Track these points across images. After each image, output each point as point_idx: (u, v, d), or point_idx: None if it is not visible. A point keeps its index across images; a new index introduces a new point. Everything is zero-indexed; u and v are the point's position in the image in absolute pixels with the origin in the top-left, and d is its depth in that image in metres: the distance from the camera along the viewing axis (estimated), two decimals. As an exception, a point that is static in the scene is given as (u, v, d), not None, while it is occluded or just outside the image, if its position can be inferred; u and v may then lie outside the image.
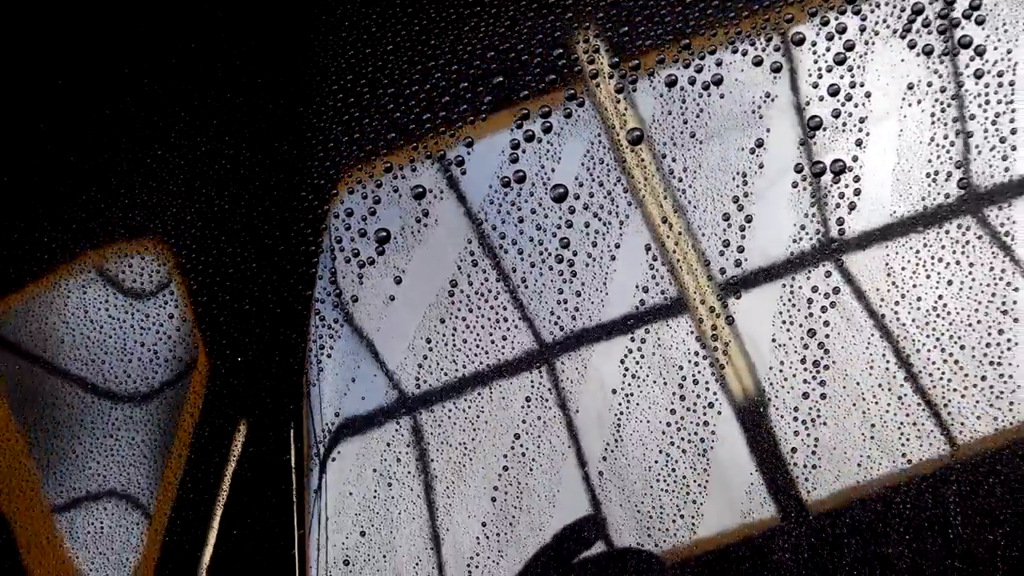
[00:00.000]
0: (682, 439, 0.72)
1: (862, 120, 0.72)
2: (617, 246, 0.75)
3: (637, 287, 0.74)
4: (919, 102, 0.71)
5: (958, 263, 0.70)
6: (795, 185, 0.72)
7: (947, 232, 0.70)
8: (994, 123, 0.70)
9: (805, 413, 0.70)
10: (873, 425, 0.69)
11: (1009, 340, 0.68)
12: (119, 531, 0.83)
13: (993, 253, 0.69)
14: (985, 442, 0.68)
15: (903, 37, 0.72)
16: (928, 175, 0.71)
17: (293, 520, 0.78)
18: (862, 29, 0.73)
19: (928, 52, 0.72)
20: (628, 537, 0.72)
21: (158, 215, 0.85)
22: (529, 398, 0.75)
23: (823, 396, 0.70)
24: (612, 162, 0.76)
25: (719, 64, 0.74)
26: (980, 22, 0.71)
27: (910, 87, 0.72)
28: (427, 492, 0.75)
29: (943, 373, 0.69)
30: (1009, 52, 0.70)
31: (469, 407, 0.75)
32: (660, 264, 0.74)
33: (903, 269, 0.70)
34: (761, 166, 0.73)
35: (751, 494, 0.70)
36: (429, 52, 0.80)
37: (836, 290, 0.71)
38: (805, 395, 0.70)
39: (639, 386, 0.73)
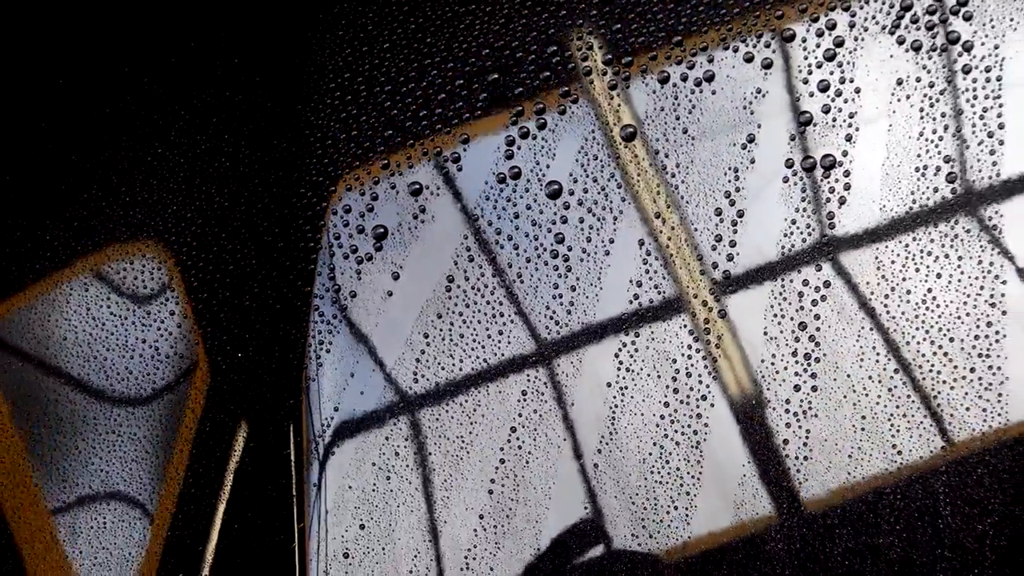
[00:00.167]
0: (676, 431, 0.73)
1: (852, 116, 0.73)
2: (611, 241, 0.76)
3: (631, 282, 0.75)
4: (908, 98, 0.72)
5: (947, 257, 0.70)
6: (786, 180, 0.73)
7: (936, 226, 0.71)
8: (982, 118, 0.71)
9: (797, 405, 0.71)
10: (864, 417, 0.70)
11: (998, 333, 0.69)
12: (122, 527, 0.83)
13: (981, 247, 0.70)
14: (974, 433, 0.69)
15: (892, 33, 0.73)
16: (917, 170, 0.71)
17: (293, 514, 0.79)
18: (852, 26, 0.73)
19: (917, 48, 0.72)
20: (623, 528, 0.72)
21: (159, 213, 0.85)
22: (525, 392, 0.75)
23: (814, 388, 0.71)
24: (606, 158, 0.76)
25: (711, 61, 0.75)
26: (968, 18, 0.72)
27: (899, 83, 0.72)
28: (425, 485, 0.76)
29: (932, 365, 0.70)
30: (996, 48, 0.71)
31: (466, 401, 0.76)
32: (653, 259, 0.75)
33: (893, 263, 0.71)
34: (752, 161, 0.74)
35: (743, 485, 0.71)
36: (425, 50, 0.81)
37: (827, 284, 0.72)
38: (797, 387, 0.71)
39: (633, 379, 0.74)
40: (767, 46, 0.74)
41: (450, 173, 0.79)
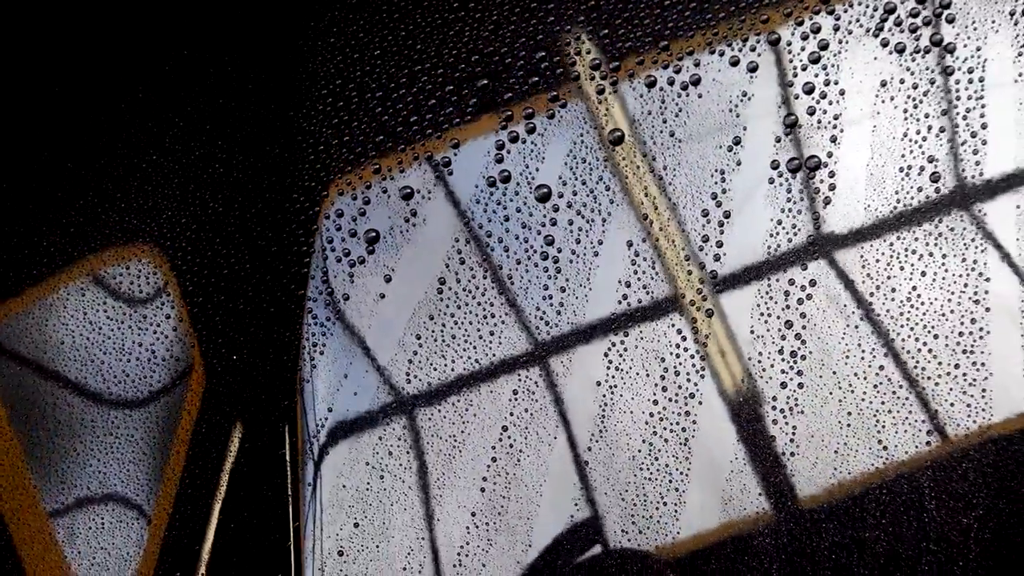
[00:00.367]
0: (665, 429, 0.73)
1: (837, 117, 0.73)
2: (600, 243, 0.76)
3: (620, 282, 0.75)
4: (892, 99, 0.73)
5: (931, 255, 0.71)
6: (772, 181, 0.74)
7: (920, 225, 0.71)
8: (965, 118, 0.71)
9: (784, 402, 0.72)
10: (850, 413, 0.71)
11: (982, 329, 0.70)
12: (120, 528, 0.83)
13: (965, 245, 0.71)
14: (959, 429, 0.69)
15: (876, 36, 0.73)
16: (901, 170, 0.72)
17: (289, 513, 0.79)
18: (836, 29, 0.74)
19: (900, 50, 0.73)
20: (613, 524, 0.73)
21: (154, 218, 0.86)
22: (516, 391, 0.76)
23: (801, 385, 0.72)
24: (594, 161, 0.77)
25: (697, 65, 0.76)
26: (951, 20, 0.72)
27: (883, 84, 0.73)
28: (418, 484, 0.76)
29: (918, 362, 0.70)
30: (979, 49, 0.72)
31: (458, 401, 0.77)
32: (642, 260, 0.75)
33: (878, 261, 0.72)
34: (739, 163, 0.75)
35: (732, 481, 0.72)
36: (415, 56, 0.82)
37: (812, 282, 0.72)
38: (783, 384, 0.72)
39: (623, 378, 0.74)
40: (753, 50, 0.75)
41: (441, 177, 0.79)
